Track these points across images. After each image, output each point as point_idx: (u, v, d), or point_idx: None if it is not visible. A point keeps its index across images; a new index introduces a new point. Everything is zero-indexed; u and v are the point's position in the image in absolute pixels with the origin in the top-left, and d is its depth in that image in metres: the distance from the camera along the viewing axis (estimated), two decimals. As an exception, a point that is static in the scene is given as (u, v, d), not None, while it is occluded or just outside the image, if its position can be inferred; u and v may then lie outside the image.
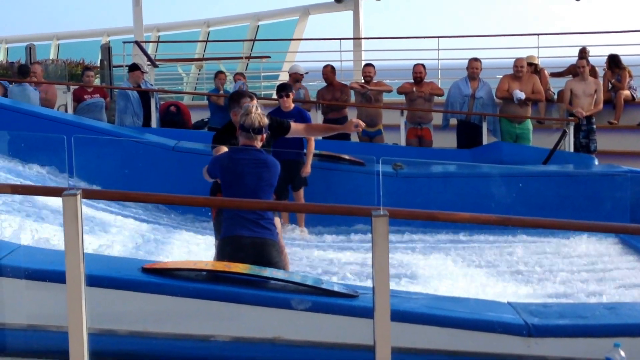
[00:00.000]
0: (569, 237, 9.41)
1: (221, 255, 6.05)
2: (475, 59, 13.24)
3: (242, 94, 7.16)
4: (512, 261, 8.64)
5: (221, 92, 14.59)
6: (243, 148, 6.13)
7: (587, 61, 14.41)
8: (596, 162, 11.83)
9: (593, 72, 15.30)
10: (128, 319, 4.85)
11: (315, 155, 10.19)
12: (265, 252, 5.96)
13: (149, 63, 17.81)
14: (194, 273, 5.07)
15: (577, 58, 15.22)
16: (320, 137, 10.01)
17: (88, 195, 3.86)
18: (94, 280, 4.70)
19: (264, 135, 6.18)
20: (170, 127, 13.87)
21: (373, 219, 3.63)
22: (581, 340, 4.68)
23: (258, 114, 6.10)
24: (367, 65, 13.71)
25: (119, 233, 8.86)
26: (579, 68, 13.50)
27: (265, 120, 6.16)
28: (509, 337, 4.64)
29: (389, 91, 13.80)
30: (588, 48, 15.62)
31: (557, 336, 4.69)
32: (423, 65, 13.46)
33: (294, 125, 7.35)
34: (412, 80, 13.44)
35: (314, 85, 16.19)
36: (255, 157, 6.08)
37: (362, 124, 7.30)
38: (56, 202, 3.63)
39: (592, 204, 9.84)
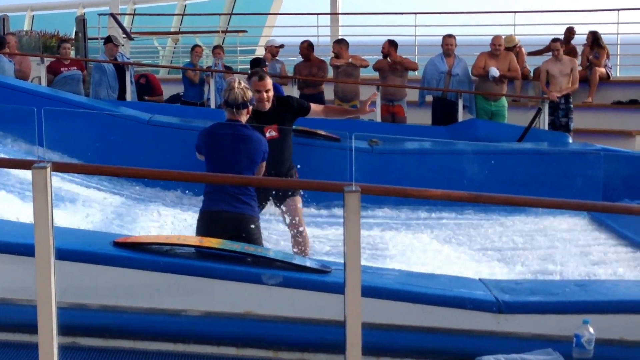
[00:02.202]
0: (542, 215, 9.45)
1: (201, 228, 6.05)
2: (450, 36, 13.24)
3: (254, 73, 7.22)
4: (485, 238, 8.68)
5: (196, 66, 14.54)
6: (228, 123, 6.12)
7: (563, 43, 14.44)
8: (570, 140, 11.89)
9: (573, 51, 15.37)
10: (99, 293, 4.83)
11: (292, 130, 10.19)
12: (244, 227, 5.98)
13: (124, 36, 17.67)
14: (166, 247, 5.05)
15: (559, 35, 15.28)
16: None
17: (58, 168, 3.82)
18: (64, 254, 4.66)
19: (250, 109, 6.17)
20: (140, 98, 13.86)
21: (345, 194, 3.62)
22: (551, 316, 4.71)
23: (241, 88, 6.10)
24: (386, 41, 13.59)
25: (91, 206, 8.83)
26: (554, 51, 13.54)
27: (249, 94, 6.15)
28: (479, 314, 4.66)
29: (366, 66, 13.79)
30: (575, 28, 15.68)
31: (527, 313, 4.71)
32: (390, 41, 13.40)
33: (313, 107, 7.42)
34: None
35: (292, 61, 16.14)
36: (239, 133, 6.08)
37: (375, 95, 7.38)
38: (27, 175, 3.60)
39: (565, 182, 9.89)
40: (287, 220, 7.23)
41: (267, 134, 6.91)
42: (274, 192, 7.20)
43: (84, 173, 9.08)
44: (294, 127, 9.11)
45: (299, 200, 7.18)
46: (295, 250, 7.08)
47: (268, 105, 6.96)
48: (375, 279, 4.84)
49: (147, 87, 14.75)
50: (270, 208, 7.57)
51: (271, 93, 7.00)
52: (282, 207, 7.22)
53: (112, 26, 18.26)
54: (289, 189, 7.10)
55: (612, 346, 4.57)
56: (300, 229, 7.14)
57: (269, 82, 6.99)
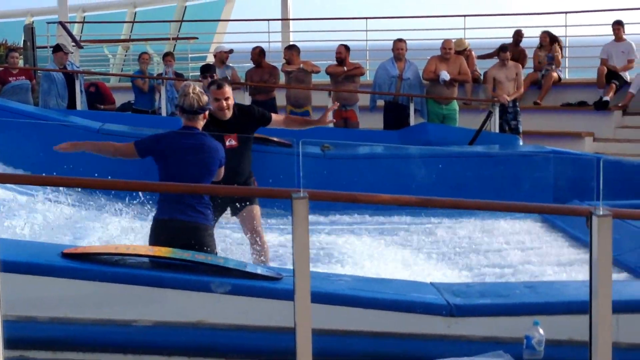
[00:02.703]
0: (493, 218, 9.51)
1: (154, 237, 6.00)
2: (400, 40, 13.30)
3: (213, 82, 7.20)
4: (436, 242, 8.71)
5: (146, 74, 14.47)
6: (184, 132, 6.07)
7: (516, 45, 14.55)
8: (521, 143, 11.99)
9: (522, 54, 15.51)
10: (48, 305, 4.78)
11: (245, 137, 10.17)
12: (198, 236, 5.94)
13: (73, 44, 17.53)
14: (115, 257, 5.01)
15: (508, 39, 15.42)
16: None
17: (2, 179, 3.78)
18: (12, 266, 4.62)
19: (206, 114, 6.13)
20: (91, 107, 13.77)
21: (293, 201, 3.61)
22: (502, 319, 4.75)
23: (196, 93, 6.06)
24: (339, 45, 13.58)
25: (40, 217, 8.72)
26: (503, 61, 13.70)
27: (205, 99, 6.11)
28: (430, 317, 4.68)
29: (317, 72, 13.81)
30: (523, 31, 15.83)
31: (478, 315, 4.74)
32: (344, 46, 13.47)
33: (275, 117, 7.41)
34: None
35: (243, 67, 16.12)
36: (198, 142, 6.03)
37: (336, 104, 7.43)
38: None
39: (516, 184, 9.97)
40: (246, 229, 7.19)
41: (227, 143, 6.87)
42: (232, 201, 7.16)
43: (28, 184, 8.95)
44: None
45: (257, 209, 7.15)
46: (255, 257, 7.05)
47: (228, 114, 6.93)
48: (326, 284, 4.84)
49: (97, 96, 14.66)
50: (228, 217, 7.53)
51: (231, 101, 6.97)
52: (240, 216, 7.18)
53: (61, 34, 18.09)
54: (247, 197, 7.07)
55: (561, 347, 4.61)
56: (259, 237, 7.10)
57: (227, 90, 6.96)
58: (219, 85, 6.94)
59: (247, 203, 7.11)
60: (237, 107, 7.11)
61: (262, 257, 7.05)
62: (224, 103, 6.86)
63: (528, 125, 14.03)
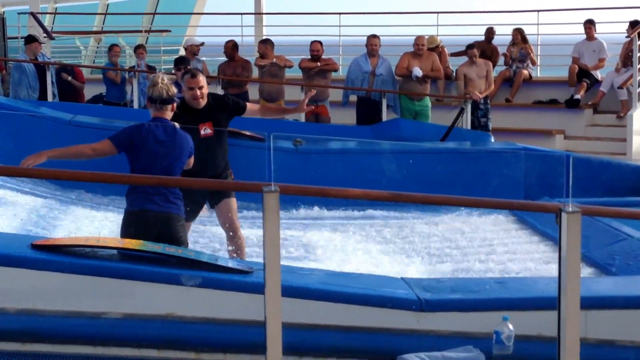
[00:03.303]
0: (464, 214, 9.55)
1: (126, 228, 5.98)
2: (374, 36, 13.32)
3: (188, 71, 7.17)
4: (408, 237, 8.74)
5: (117, 66, 14.41)
6: (155, 124, 6.05)
7: (488, 42, 14.63)
8: (492, 140, 12.04)
9: (494, 51, 15.58)
10: (17, 296, 4.75)
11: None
12: (170, 226, 5.93)
13: (45, 35, 17.38)
14: (85, 249, 4.98)
15: (481, 36, 15.48)
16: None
17: (-29, 169, 3.75)
18: (-19, 257, 4.60)
19: (174, 105, 6.11)
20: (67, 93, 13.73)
21: (264, 194, 3.61)
22: (471, 314, 4.77)
23: (165, 84, 6.04)
24: (315, 41, 13.59)
25: (9, 208, 8.66)
26: (471, 58, 13.76)
27: (174, 90, 6.11)
28: (400, 312, 4.69)
29: (290, 66, 13.80)
30: (495, 28, 15.90)
31: (448, 311, 4.76)
32: (320, 42, 13.49)
33: (249, 106, 7.39)
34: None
35: (216, 60, 16.08)
36: (168, 133, 6.01)
37: (311, 93, 7.43)
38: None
39: (487, 181, 10.01)
40: (222, 222, 7.19)
41: (202, 132, 6.88)
42: (210, 194, 7.15)
43: (-1, 175, 8.90)
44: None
45: (233, 202, 7.14)
46: (231, 250, 7.04)
47: (203, 102, 6.94)
48: (297, 278, 4.84)
49: (73, 78, 14.56)
50: (206, 211, 7.51)
51: (205, 90, 6.98)
52: (217, 208, 7.18)
53: (33, 25, 17.92)
54: (223, 190, 7.06)
55: (530, 342, 4.64)
56: (235, 230, 7.10)
57: (201, 79, 6.96)
58: (192, 75, 6.95)
59: (225, 196, 7.10)
60: (212, 96, 7.12)
61: (238, 250, 7.05)
62: (198, 92, 6.87)
63: (500, 122, 14.09)
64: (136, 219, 5.95)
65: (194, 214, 7.07)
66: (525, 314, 4.68)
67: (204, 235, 8.43)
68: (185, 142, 6.11)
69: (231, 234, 7.10)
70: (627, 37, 14.23)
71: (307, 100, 7.51)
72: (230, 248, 7.08)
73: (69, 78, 14.52)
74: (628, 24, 14.43)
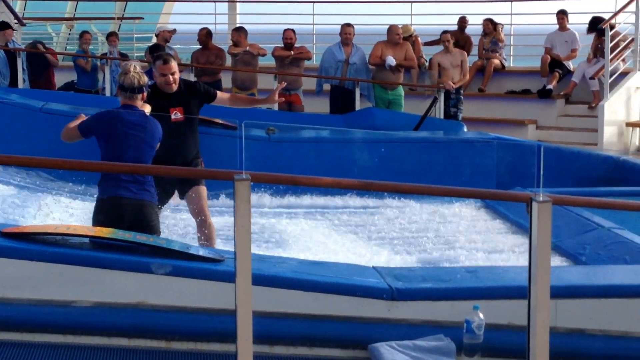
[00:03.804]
0: (435, 203, 9.56)
1: (97, 216, 5.95)
2: (348, 25, 13.32)
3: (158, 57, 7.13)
4: (380, 226, 8.74)
5: (87, 53, 14.32)
6: (125, 110, 6.04)
7: (454, 34, 14.67)
8: (465, 129, 12.07)
9: (467, 41, 15.62)
10: (-14, 284, 4.71)
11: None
12: (143, 213, 5.92)
13: (15, 21, 17.22)
14: (55, 237, 4.95)
15: (455, 26, 15.50)
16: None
17: (-62, 156, 3.71)
18: (-52, 245, 4.56)
19: (145, 94, 6.11)
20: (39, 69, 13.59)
21: (235, 182, 3.60)
22: (442, 303, 4.78)
23: (137, 72, 6.05)
24: (288, 30, 13.54)
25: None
26: (444, 42, 13.78)
27: (145, 79, 6.11)
28: (371, 301, 4.69)
29: (264, 54, 13.77)
30: (467, 17, 15.94)
31: (419, 299, 4.77)
32: (293, 30, 13.49)
33: (220, 94, 7.44)
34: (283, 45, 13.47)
35: (190, 48, 16.01)
36: (138, 119, 6.00)
37: (283, 84, 7.45)
38: None
39: (459, 170, 10.05)
40: (192, 210, 7.17)
41: (173, 116, 6.91)
42: (179, 182, 7.14)
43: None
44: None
45: (203, 190, 7.14)
46: (202, 240, 7.03)
47: (174, 88, 6.96)
48: (268, 267, 4.83)
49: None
50: (175, 198, 7.49)
51: (177, 75, 7.02)
52: (187, 197, 7.16)
53: (3, 11, 17.76)
54: (193, 178, 7.05)
55: (501, 331, 4.66)
56: (205, 218, 7.09)
57: (173, 64, 6.99)
58: (165, 60, 6.97)
59: (195, 184, 7.10)
60: (183, 82, 7.17)
61: (208, 238, 7.04)
62: (171, 77, 6.92)
63: (472, 112, 14.14)
64: (108, 206, 5.93)
65: (164, 202, 7.06)
66: (496, 303, 4.69)
67: (179, 224, 8.40)
68: (156, 128, 6.11)
69: (201, 221, 7.09)
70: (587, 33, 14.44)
71: (278, 91, 7.53)
72: (200, 236, 7.07)
73: (43, 49, 14.47)
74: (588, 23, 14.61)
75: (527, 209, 3.79)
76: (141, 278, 4.71)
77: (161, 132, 6.17)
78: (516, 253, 7.53)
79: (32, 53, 14.38)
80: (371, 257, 7.19)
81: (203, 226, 7.08)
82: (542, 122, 14.65)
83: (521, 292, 3.93)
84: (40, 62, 14.31)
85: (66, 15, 21.77)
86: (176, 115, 6.96)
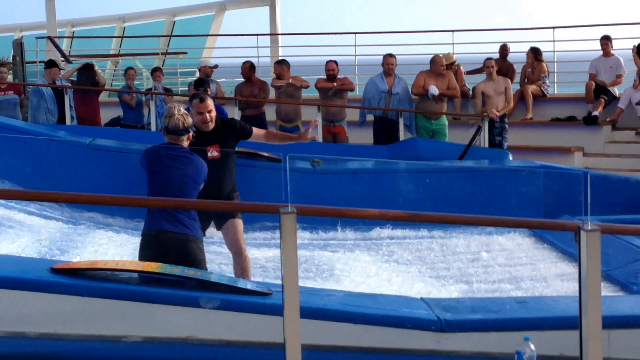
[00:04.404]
0: (482, 233, 9.50)
1: (144, 251, 6.00)
2: (390, 55, 13.33)
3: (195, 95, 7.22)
4: (427, 257, 8.70)
5: (132, 89, 14.48)
6: (171, 145, 6.12)
7: (498, 61, 14.64)
8: (510, 158, 12.00)
9: (510, 68, 15.56)
10: (38, 320, 4.76)
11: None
12: (187, 247, 5.95)
13: (62, 59, 17.51)
14: (104, 273, 4.99)
15: (497, 54, 15.45)
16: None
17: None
18: (1, 282, 4.61)
19: (190, 134, 6.19)
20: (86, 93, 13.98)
21: (281, 216, 3.61)
22: (492, 334, 4.74)
23: (181, 114, 6.15)
24: (330, 61, 13.61)
25: (30, 232, 8.69)
26: (488, 68, 13.72)
27: (189, 120, 6.20)
28: (420, 333, 4.67)
29: (307, 87, 13.83)
30: (509, 45, 15.89)
31: (468, 331, 4.73)
32: (335, 62, 13.52)
33: (256, 131, 7.49)
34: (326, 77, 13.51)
35: (233, 82, 16.14)
36: (183, 155, 6.07)
37: (316, 121, 7.50)
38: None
39: (505, 199, 9.97)
40: (228, 242, 7.22)
41: (209, 154, 6.98)
42: (214, 215, 7.20)
43: (16, 199, 8.93)
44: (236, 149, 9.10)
45: (239, 223, 7.19)
46: (237, 271, 7.07)
47: (211, 126, 7.04)
48: (316, 300, 4.82)
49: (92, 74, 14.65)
50: (211, 230, 7.53)
51: (213, 113, 7.08)
52: (223, 229, 7.21)
53: (50, 49, 18.08)
54: (229, 212, 7.10)
55: (552, 362, 4.60)
56: (241, 251, 7.13)
57: (210, 103, 7.07)
58: (201, 99, 7.05)
59: (230, 216, 7.15)
60: (219, 119, 7.23)
61: (243, 270, 7.07)
62: (207, 116, 7.00)
63: (517, 140, 14.05)
64: (153, 240, 5.98)
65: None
66: (547, 334, 4.64)
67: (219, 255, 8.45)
68: (201, 165, 6.16)
69: (237, 253, 7.14)
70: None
71: (311, 128, 7.57)
72: (236, 268, 7.11)
73: (96, 67, 14.66)
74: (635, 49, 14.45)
75: (575, 238, 3.75)
76: (190, 312, 4.73)
77: (206, 169, 6.23)
78: (566, 282, 7.45)
79: (83, 71, 14.56)
80: (419, 289, 7.16)
81: (238, 258, 7.13)
82: (588, 149, 14.51)
83: (572, 323, 3.89)
84: (89, 80, 14.49)
85: (111, 52, 22.10)
86: (212, 153, 7.04)
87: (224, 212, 7.13)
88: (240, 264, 7.10)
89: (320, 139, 12.97)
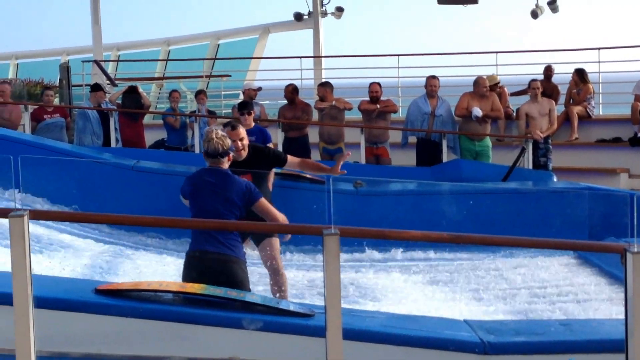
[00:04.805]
0: (527, 254, 9.43)
1: (186, 270, 6.05)
2: (433, 77, 13.33)
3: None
4: (470, 279, 8.65)
5: (176, 111, 14.60)
6: (209, 168, 6.18)
7: (547, 80, 14.57)
8: (555, 179, 11.91)
9: (555, 90, 15.47)
10: (82, 341, 4.79)
11: (277, 174, 10.19)
12: (228, 268, 5.97)
13: (108, 82, 17.72)
14: (148, 294, 5.02)
15: (541, 75, 15.36)
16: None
17: (36, 216, 3.81)
18: (46, 303, 4.65)
19: (231, 155, 6.22)
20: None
21: (324, 237, 3.61)
22: (536, 357, 4.69)
23: (220, 137, 6.17)
24: (374, 83, 13.64)
25: (74, 254, 8.77)
26: (533, 90, 13.64)
27: (228, 142, 6.22)
28: (463, 355, 4.63)
29: (350, 108, 13.85)
30: (553, 66, 15.80)
31: (512, 353, 4.69)
32: (379, 84, 13.53)
33: (290, 159, 7.53)
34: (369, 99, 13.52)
35: (277, 104, 16.22)
36: (222, 178, 6.10)
37: (348, 154, 7.54)
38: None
39: (550, 221, 9.88)
40: (265, 262, 7.23)
41: None
42: (251, 235, 7.24)
43: (62, 220, 9.02)
44: (279, 170, 9.12)
45: (276, 242, 7.21)
46: (274, 290, 7.08)
47: (244, 154, 7.08)
48: (358, 321, 4.81)
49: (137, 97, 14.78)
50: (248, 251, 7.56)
51: (245, 141, 7.11)
52: (259, 248, 7.23)
53: (96, 73, 18.30)
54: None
55: (597, 385, 4.55)
56: (279, 269, 7.14)
57: (242, 131, 7.11)
58: (233, 127, 7.09)
59: (267, 235, 7.17)
60: (252, 147, 7.25)
61: (280, 289, 7.08)
62: (239, 144, 7.02)
63: (562, 161, 13.95)
64: (196, 261, 6.02)
65: None
66: (592, 357, 4.59)
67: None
68: (238, 187, 6.16)
69: (274, 272, 7.15)
70: None
71: (341, 162, 7.57)
72: (273, 286, 7.12)
73: (140, 89, 14.81)
74: None
75: (621, 260, 3.72)
76: (233, 333, 4.74)
77: (248, 188, 6.22)
78: (611, 305, 7.36)
79: (127, 94, 14.73)
80: (461, 311, 7.11)
81: (276, 277, 7.13)
82: (634, 171, 14.36)
83: (618, 346, 3.84)
84: (134, 103, 14.64)
85: (156, 75, 22.31)
86: None
87: (260, 233, 7.15)
88: (278, 283, 7.11)
89: (363, 160, 12.98)
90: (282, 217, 6.34)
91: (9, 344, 4.21)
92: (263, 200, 6.26)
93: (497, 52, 17.17)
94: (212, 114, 14.86)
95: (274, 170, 9.77)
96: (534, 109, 13.54)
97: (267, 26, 22.30)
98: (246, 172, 7.04)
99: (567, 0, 22.03)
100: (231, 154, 6.27)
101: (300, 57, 19.17)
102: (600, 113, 16.14)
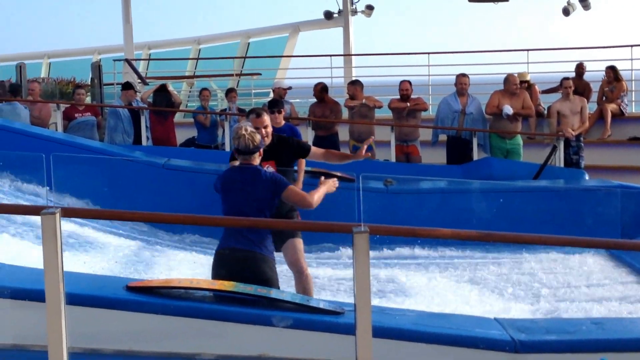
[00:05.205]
0: (559, 252, 9.38)
1: (216, 268, 6.06)
2: (464, 75, 13.27)
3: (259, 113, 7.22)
4: (500, 277, 8.62)
5: (206, 109, 14.64)
6: (238, 166, 6.17)
7: (579, 78, 14.47)
8: (587, 177, 11.83)
9: (587, 87, 15.35)
10: (113, 337, 4.83)
11: (306, 172, 10.19)
12: (256, 265, 5.96)
13: (139, 81, 17.81)
14: (179, 291, 5.04)
15: (572, 73, 15.25)
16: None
17: (67, 213, 3.83)
18: (77, 299, 4.68)
19: (261, 151, 6.22)
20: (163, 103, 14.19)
21: (354, 235, 3.61)
22: (568, 355, 4.66)
23: (249, 133, 6.14)
24: (404, 81, 13.61)
25: (106, 251, 8.82)
26: (565, 88, 13.55)
27: (258, 138, 6.20)
28: (495, 353, 4.61)
29: (380, 107, 13.83)
30: (585, 63, 15.69)
31: (543, 352, 4.67)
32: (409, 82, 13.49)
33: (314, 149, 7.49)
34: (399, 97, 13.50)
35: (307, 102, 16.23)
36: (252, 175, 6.09)
37: (370, 140, 7.48)
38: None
39: (582, 219, 9.82)
40: (288, 262, 7.21)
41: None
42: (274, 234, 7.20)
43: (93, 218, 9.08)
44: (309, 168, 9.10)
45: (299, 242, 7.17)
46: (299, 290, 7.05)
47: (267, 141, 7.03)
48: (388, 319, 4.81)
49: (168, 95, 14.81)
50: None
51: (269, 129, 7.08)
52: (283, 249, 7.20)
53: (127, 71, 18.41)
54: (288, 230, 7.07)
55: (630, 384, 4.51)
56: (303, 269, 7.12)
57: (266, 118, 7.05)
58: (257, 114, 7.05)
59: (290, 236, 7.14)
60: (276, 136, 7.22)
61: (305, 290, 7.05)
62: (263, 131, 6.98)
63: (594, 159, 13.85)
64: (225, 258, 6.02)
65: None
66: (624, 356, 4.56)
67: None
68: (267, 184, 6.13)
69: (298, 272, 7.12)
70: None
71: (365, 146, 7.54)
72: (297, 286, 7.10)
73: (170, 87, 14.86)
74: None
75: (654, 258, 3.69)
76: (262, 331, 4.75)
77: (276, 179, 6.20)
78: (643, 303, 7.32)
79: (158, 92, 14.78)
80: (491, 308, 7.09)
81: (300, 277, 7.11)
82: (667, 169, 14.24)
83: (651, 345, 3.81)
84: (165, 101, 14.69)
85: (187, 74, 22.39)
86: (268, 169, 7.02)
87: (284, 232, 7.11)
88: (302, 283, 7.08)
89: (393, 158, 12.95)
90: (316, 197, 6.31)
91: (41, 341, 4.25)
92: (291, 187, 6.22)
93: (528, 50, 17.09)
94: (242, 113, 14.90)
95: (304, 168, 9.82)
96: (566, 106, 13.45)
97: (297, 24, 22.31)
98: (270, 160, 7.04)
99: (599, -3, 21.81)
100: (261, 150, 6.26)
101: (331, 56, 19.18)
102: (633, 110, 16.02)
